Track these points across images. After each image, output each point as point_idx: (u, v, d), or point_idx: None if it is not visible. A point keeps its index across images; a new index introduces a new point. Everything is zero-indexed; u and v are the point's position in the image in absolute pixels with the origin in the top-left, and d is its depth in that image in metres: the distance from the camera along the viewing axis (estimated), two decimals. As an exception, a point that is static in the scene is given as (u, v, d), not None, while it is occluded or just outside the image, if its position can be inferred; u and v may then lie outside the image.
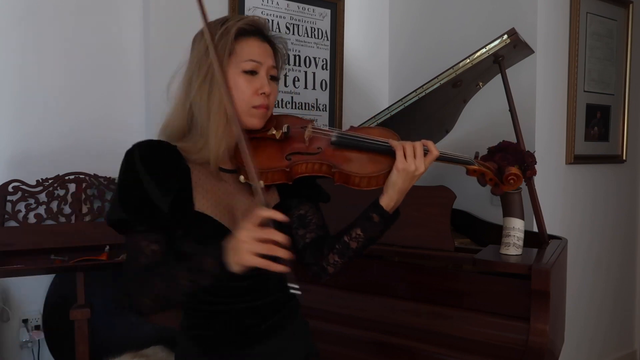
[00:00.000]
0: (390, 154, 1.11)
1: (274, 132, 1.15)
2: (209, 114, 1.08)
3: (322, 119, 3.10)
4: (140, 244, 1.04)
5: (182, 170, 1.08)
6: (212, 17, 1.17)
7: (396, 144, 1.10)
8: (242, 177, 1.11)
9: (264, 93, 1.11)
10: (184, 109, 1.13)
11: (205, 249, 0.99)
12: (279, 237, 0.91)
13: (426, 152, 1.11)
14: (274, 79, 1.15)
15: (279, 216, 0.94)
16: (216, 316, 1.14)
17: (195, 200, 1.08)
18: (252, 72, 1.10)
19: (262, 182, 1.04)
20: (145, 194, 1.03)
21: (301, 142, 1.15)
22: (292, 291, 0.92)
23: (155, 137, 1.17)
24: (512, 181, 1.26)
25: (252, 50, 1.10)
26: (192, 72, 1.13)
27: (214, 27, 1.11)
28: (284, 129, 1.16)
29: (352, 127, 1.21)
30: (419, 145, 1.10)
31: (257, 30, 1.13)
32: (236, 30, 1.09)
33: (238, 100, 1.08)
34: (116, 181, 1.09)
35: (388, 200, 1.11)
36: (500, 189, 1.28)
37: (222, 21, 1.13)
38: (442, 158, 1.15)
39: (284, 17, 2.95)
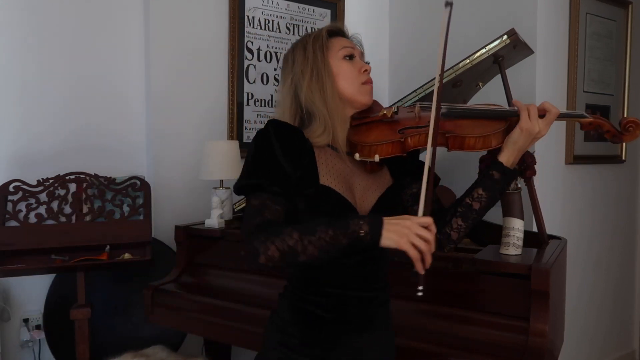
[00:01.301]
0: (502, 117, 1.19)
1: (385, 111, 1.22)
2: (326, 102, 1.21)
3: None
4: (267, 202, 1.11)
5: (308, 148, 1.19)
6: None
7: (521, 104, 1.17)
8: (357, 155, 1.20)
9: (366, 70, 1.25)
10: (293, 110, 1.24)
11: (358, 216, 1.10)
12: (433, 244, 1.01)
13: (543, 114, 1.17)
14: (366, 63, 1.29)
15: (434, 229, 1.02)
16: (326, 295, 1.19)
17: (321, 175, 1.18)
18: (350, 57, 1.25)
19: (377, 156, 1.16)
20: (279, 163, 1.13)
21: (412, 119, 1.22)
22: (418, 294, 1.02)
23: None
24: (630, 129, 1.20)
25: (343, 42, 1.27)
26: (297, 79, 1.25)
27: (304, 39, 1.29)
28: (394, 108, 1.24)
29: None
30: (535, 106, 1.17)
31: (340, 30, 1.30)
32: (326, 32, 1.27)
33: (348, 81, 1.23)
34: (248, 154, 1.18)
35: (507, 156, 1.19)
36: (620, 138, 1.23)
37: (307, 34, 1.31)
38: (561, 116, 1.20)
39: (284, 17, 2.95)
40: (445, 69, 1.89)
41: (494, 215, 2.11)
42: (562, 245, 1.83)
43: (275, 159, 1.14)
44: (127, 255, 2.20)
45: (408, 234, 1.00)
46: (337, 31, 1.30)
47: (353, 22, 3.21)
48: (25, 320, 2.41)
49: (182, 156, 2.66)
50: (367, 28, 3.28)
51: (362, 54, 1.31)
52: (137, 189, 2.28)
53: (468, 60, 1.85)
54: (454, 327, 1.61)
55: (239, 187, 1.16)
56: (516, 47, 1.88)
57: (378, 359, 1.27)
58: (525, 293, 1.52)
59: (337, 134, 1.22)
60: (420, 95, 1.91)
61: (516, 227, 1.66)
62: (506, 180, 1.21)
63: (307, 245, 1.03)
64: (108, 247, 2.20)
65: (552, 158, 2.70)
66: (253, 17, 2.84)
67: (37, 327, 2.42)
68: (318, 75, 1.22)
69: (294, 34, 2.99)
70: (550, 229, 1.95)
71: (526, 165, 1.70)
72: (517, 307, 1.53)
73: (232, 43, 2.77)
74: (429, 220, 1.02)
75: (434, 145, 1.08)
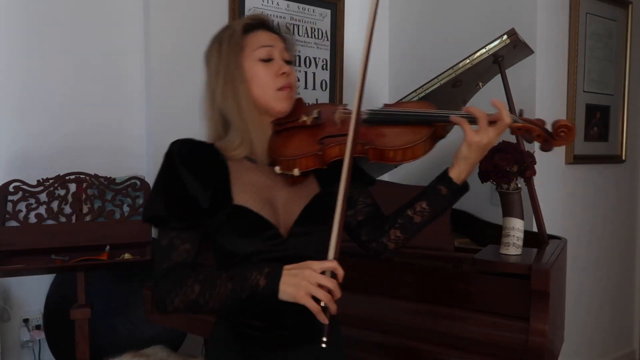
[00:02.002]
0: (426, 123, 1.08)
1: (305, 118, 1.14)
2: (240, 111, 1.11)
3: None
4: (174, 242, 1.07)
5: (220, 165, 1.12)
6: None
7: (457, 118, 1.06)
8: (277, 168, 1.11)
9: (284, 73, 1.12)
10: (213, 118, 1.17)
11: (258, 266, 1.01)
12: (338, 292, 0.95)
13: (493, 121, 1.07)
14: (289, 62, 1.16)
15: (340, 272, 0.96)
16: (260, 317, 1.12)
17: (234, 194, 1.09)
18: (267, 60, 1.12)
19: (297, 170, 1.07)
20: (185, 189, 1.06)
21: (333, 125, 1.13)
22: (322, 344, 0.94)
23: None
24: (562, 134, 1.11)
25: (261, 39, 1.14)
26: (212, 82, 1.16)
27: (220, 34, 1.16)
28: (315, 114, 1.15)
29: (385, 105, 1.19)
30: (484, 113, 1.07)
31: (261, 22, 1.16)
32: (242, 26, 1.13)
33: (262, 88, 1.12)
34: (155, 179, 1.12)
35: (459, 172, 1.11)
36: (551, 144, 1.13)
37: (226, 27, 1.17)
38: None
39: (284, 17, 2.95)
40: (445, 69, 1.90)
41: (494, 215, 2.12)
42: (562, 245, 1.83)
43: (180, 185, 1.06)
44: (127, 255, 2.20)
45: (306, 286, 0.94)
46: (256, 24, 1.15)
47: (353, 22, 3.21)
48: (25, 321, 2.41)
49: (182, 156, 2.66)
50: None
51: (285, 49, 1.16)
52: (137, 189, 2.28)
53: (468, 60, 1.86)
54: (454, 327, 1.61)
55: (145, 218, 1.10)
56: (516, 47, 1.88)
57: None
58: (525, 293, 1.52)
59: (255, 145, 1.11)
60: (420, 95, 1.92)
61: (516, 227, 1.66)
62: (454, 197, 1.13)
63: (209, 299, 1.01)
64: (108, 247, 2.19)
65: (552, 158, 2.69)
66: (253, 17, 2.84)
67: (37, 327, 2.42)
68: (231, 79, 1.11)
69: (294, 33, 2.99)
70: (550, 229, 1.95)
71: (526, 165, 1.70)
72: (517, 307, 1.53)
73: (232, 43, 2.77)
74: (332, 265, 0.95)
75: (349, 173, 1.00)
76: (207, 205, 1.07)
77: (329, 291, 0.94)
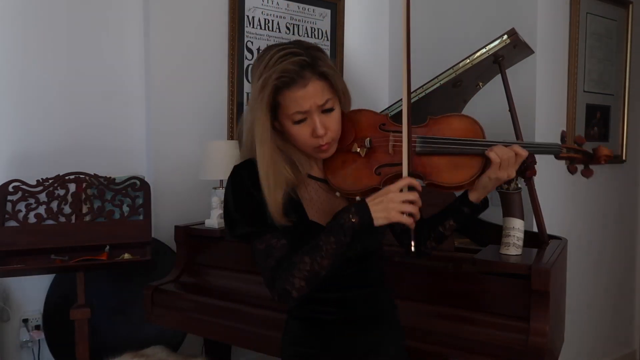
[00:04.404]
0: (479, 154, 1.17)
1: (358, 149, 1.19)
2: (262, 165, 1.12)
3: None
4: (271, 242, 1.13)
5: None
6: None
7: (493, 154, 1.15)
8: (338, 194, 1.19)
9: (319, 135, 1.13)
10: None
11: (344, 210, 1.08)
12: (419, 200, 1.07)
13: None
14: (328, 110, 1.14)
15: (418, 186, 1.08)
16: (327, 303, 1.22)
17: (307, 211, 1.18)
18: (301, 121, 1.12)
19: (358, 198, 1.14)
20: (261, 204, 1.11)
21: (385, 152, 1.19)
22: (412, 248, 1.09)
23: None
24: (603, 162, 1.26)
25: (296, 102, 1.10)
26: (252, 113, 1.14)
27: (257, 69, 1.13)
28: (367, 143, 1.19)
29: (430, 118, 1.24)
30: (511, 153, 1.17)
31: (291, 79, 1.09)
32: (272, 88, 1.09)
33: (301, 145, 1.16)
34: (226, 202, 1.17)
35: (477, 196, 1.23)
36: (591, 171, 1.28)
37: (264, 64, 1.10)
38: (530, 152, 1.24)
39: (284, 17, 2.95)
40: (445, 69, 1.90)
41: (494, 215, 2.12)
42: (562, 245, 1.83)
43: (257, 201, 1.11)
44: (127, 255, 2.19)
45: (395, 206, 1.05)
46: (288, 81, 1.08)
47: (353, 22, 3.21)
48: (25, 321, 2.41)
49: (182, 156, 2.66)
50: (367, 28, 3.28)
51: (320, 105, 1.11)
52: (137, 189, 2.28)
53: (468, 60, 1.85)
54: (454, 327, 1.61)
55: (236, 236, 1.15)
56: (516, 47, 1.88)
57: (393, 353, 1.29)
58: (526, 293, 1.52)
59: (308, 166, 1.20)
60: (420, 95, 1.91)
61: (516, 227, 1.66)
62: (476, 214, 1.26)
63: (321, 261, 1.07)
64: (108, 247, 2.19)
65: (552, 158, 2.69)
66: (253, 17, 2.84)
67: (37, 327, 2.41)
68: (258, 130, 1.11)
69: (294, 34, 2.99)
70: (550, 229, 1.94)
71: (526, 165, 1.69)
72: (517, 307, 1.53)
73: (232, 43, 2.77)
74: (407, 181, 1.07)
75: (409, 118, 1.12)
76: (283, 216, 1.12)
77: (412, 202, 1.05)
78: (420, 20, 3.13)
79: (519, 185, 1.70)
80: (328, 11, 3.12)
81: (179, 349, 2.53)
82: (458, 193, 1.27)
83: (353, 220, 1.06)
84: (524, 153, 1.18)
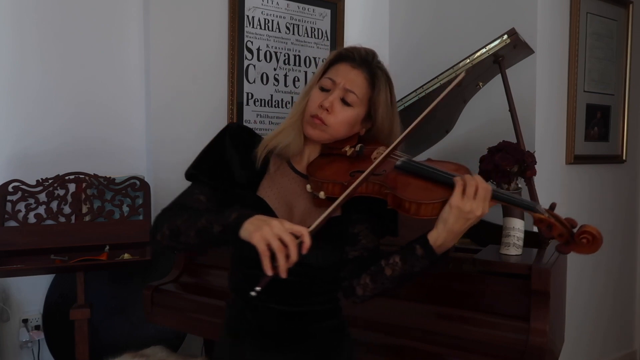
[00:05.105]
0: (450, 186, 1.05)
1: (347, 149, 1.20)
2: (292, 113, 1.22)
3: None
4: (193, 190, 1.19)
5: (264, 159, 1.19)
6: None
7: (458, 178, 1.04)
8: (308, 186, 1.18)
9: (324, 107, 1.16)
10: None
11: (240, 207, 1.05)
12: (293, 254, 0.94)
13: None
14: (346, 103, 1.17)
15: (306, 241, 0.96)
16: (247, 307, 1.19)
17: (262, 186, 1.20)
18: (326, 90, 1.19)
19: (323, 194, 1.14)
20: (223, 157, 1.19)
21: (369, 162, 1.15)
22: (251, 293, 0.95)
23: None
24: (584, 241, 1.07)
25: (336, 72, 1.20)
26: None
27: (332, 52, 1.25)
28: (357, 148, 1.20)
29: (429, 160, 1.21)
30: (483, 185, 1.03)
31: (350, 56, 1.21)
32: (335, 54, 1.23)
33: (307, 110, 1.20)
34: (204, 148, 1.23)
35: (436, 236, 1.06)
36: (569, 248, 1.09)
37: (340, 48, 1.27)
38: (503, 200, 1.09)
39: (284, 17, 2.95)
40: (445, 69, 1.90)
41: (494, 215, 2.11)
42: (562, 245, 1.83)
43: (221, 153, 1.19)
44: (126, 255, 2.19)
45: (267, 232, 0.94)
46: (346, 56, 1.22)
47: (353, 22, 3.21)
48: (25, 321, 2.41)
49: (182, 155, 2.64)
50: (367, 28, 3.28)
51: (348, 91, 1.17)
52: (137, 189, 2.28)
53: (468, 60, 1.86)
54: (454, 327, 1.60)
55: (186, 174, 1.22)
56: (516, 47, 1.88)
57: None
58: (526, 293, 1.51)
59: (293, 148, 1.19)
60: (420, 95, 1.91)
61: (516, 227, 1.66)
62: (431, 261, 1.07)
63: (188, 227, 1.06)
64: (108, 247, 2.19)
65: (552, 158, 2.69)
66: (253, 17, 2.84)
67: (37, 327, 2.41)
68: (306, 89, 1.23)
69: (293, 33, 2.99)
70: (550, 229, 1.94)
71: (526, 165, 1.70)
72: (517, 307, 1.53)
73: (231, 43, 2.77)
74: (302, 230, 0.96)
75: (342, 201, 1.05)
76: (242, 181, 1.18)
77: (286, 246, 0.94)
78: (420, 20, 3.13)
79: (519, 185, 1.70)
80: (328, 11, 3.12)
81: (179, 349, 2.52)
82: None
83: (232, 216, 1.01)
84: (488, 187, 1.03)
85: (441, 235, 1.05)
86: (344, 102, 1.17)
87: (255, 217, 0.99)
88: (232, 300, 1.26)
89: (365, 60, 1.20)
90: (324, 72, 1.21)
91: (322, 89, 1.19)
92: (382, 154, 1.14)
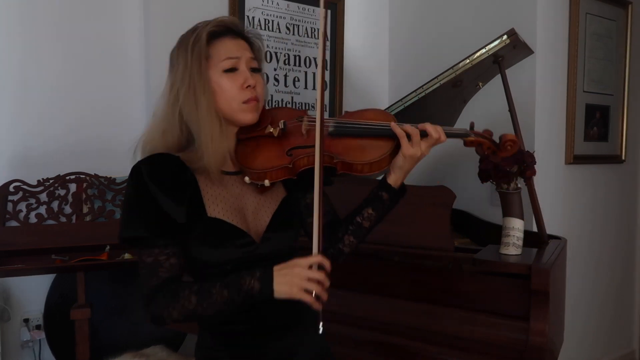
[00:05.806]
0: (389, 136, 1.15)
1: (271, 129, 1.17)
2: (200, 122, 1.09)
3: (322, 119, 3.10)
4: (159, 259, 1.08)
5: (189, 179, 1.11)
6: (210, 17, 1.20)
7: (399, 131, 1.13)
8: (247, 178, 1.15)
9: (249, 86, 1.12)
10: (174, 122, 1.13)
11: (249, 272, 1.04)
12: (327, 282, 1.02)
13: (425, 135, 1.16)
14: (256, 70, 1.16)
15: (327, 264, 1.02)
16: (237, 315, 1.14)
17: (207, 206, 1.11)
18: (233, 69, 1.12)
19: (267, 181, 1.12)
20: (159, 207, 1.06)
21: (299, 135, 1.17)
22: (319, 330, 1.01)
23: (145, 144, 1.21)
24: (509, 147, 1.29)
25: (227, 49, 1.12)
26: (177, 85, 1.12)
27: (186, 38, 1.14)
28: (281, 125, 1.17)
29: (346, 112, 1.23)
30: (415, 129, 1.15)
31: (227, 29, 1.15)
32: (207, 34, 1.11)
33: (227, 100, 1.11)
34: (125, 199, 1.11)
35: (395, 179, 1.19)
36: (498, 156, 1.31)
37: (193, 29, 1.15)
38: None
39: (284, 17, 2.95)
40: (445, 69, 1.90)
41: (494, 215, 2.12)
42: (562, 245, 1.83)
43: (154, 203, 1.05)
44: (127, 255, 2.20)
45: (299, 282, 1.00)
46: (222, 31, 1.13)
47: (353, 22, 3.21)
48: (26, 321, 2.41)
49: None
50: (367, 28, 3.28)
51: (252, 59, 1.14)
52: (137, 189, 2.28)
53: (468, 60, 1.86)
54: (454, 327, 1.61)
55: (124, 240, 1.08)
56: (516, 47, 1.88)
57: (312, 355, 1.22)
58: (525, 293, 1.52)
59: (218, 156, 1.10)
60: (420, 95, 1.92)
61: (516, 227, 1.66)
62: (395, 200, 1.22)
63: (207, 307, 1.04)
64: (108, 247, 2.19)
65: (552, 158, 2.69)
66: (253, 17, 2.84)
67: (37, 327, 2.42)
68: (193, 89, 1.09)
69: (293, 34, 2.99)
70: (550, 229, 1.95)
71: (526, 165, 1.70)
72: (517, 307, 1.53)
73: (232, 43, 2.77)
74: (318, 259, 1.02)
75: (321, 179, 1.05)
76: (184, 220, 1.07)
77: (319, 282, 1.01)
78: (420, 20, 3.13)
79: (519, 185, 1.71)
80: (328, 11, 3.12)
81: (179, 349, 2.53)
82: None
83: (254, 284, 1.02)
84: (429, 128, 1.15)
85: (399, 177, 1.19)
86: (255, 70, 1.16)
87: (276, 274, 1.02)
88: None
89: (230, 28, 1.15)
90: (206, 59, 1.10)
91: (229, 71, 1.11)
92: (312, 123, 1.16)
